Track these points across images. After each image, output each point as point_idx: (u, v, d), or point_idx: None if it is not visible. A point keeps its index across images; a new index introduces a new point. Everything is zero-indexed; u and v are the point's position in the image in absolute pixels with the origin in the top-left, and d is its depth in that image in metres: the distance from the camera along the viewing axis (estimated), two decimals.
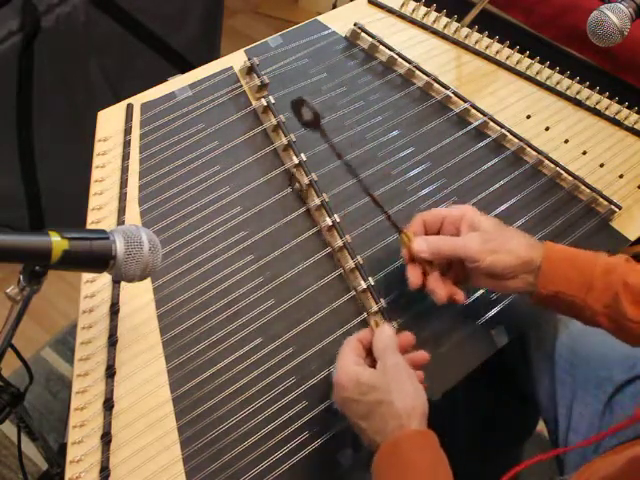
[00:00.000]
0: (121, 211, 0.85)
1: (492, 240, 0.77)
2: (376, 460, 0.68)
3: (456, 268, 0.81)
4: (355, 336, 0.75)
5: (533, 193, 1.00)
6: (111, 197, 0.86)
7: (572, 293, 0.77)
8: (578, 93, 1.10)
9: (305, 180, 0.90)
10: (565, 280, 0.77)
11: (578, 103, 1.10)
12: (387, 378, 0.69)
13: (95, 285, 0.81)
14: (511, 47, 1.10)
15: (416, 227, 0.81)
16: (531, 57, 1.11)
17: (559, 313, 0.80)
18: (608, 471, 0.69)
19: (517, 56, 1.11)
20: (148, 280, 0.81)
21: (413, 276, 0.79)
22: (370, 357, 0.74)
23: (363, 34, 1.04)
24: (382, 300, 0.85)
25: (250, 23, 2.32)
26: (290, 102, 0.78)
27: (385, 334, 0.73)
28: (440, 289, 0.78)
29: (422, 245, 0.78)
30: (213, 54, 1.86)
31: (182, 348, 0.80)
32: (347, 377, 0.71)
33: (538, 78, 1.10)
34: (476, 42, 1.10)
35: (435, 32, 1.09)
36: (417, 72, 1.04)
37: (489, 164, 1.00)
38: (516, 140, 1.03)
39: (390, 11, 1.09)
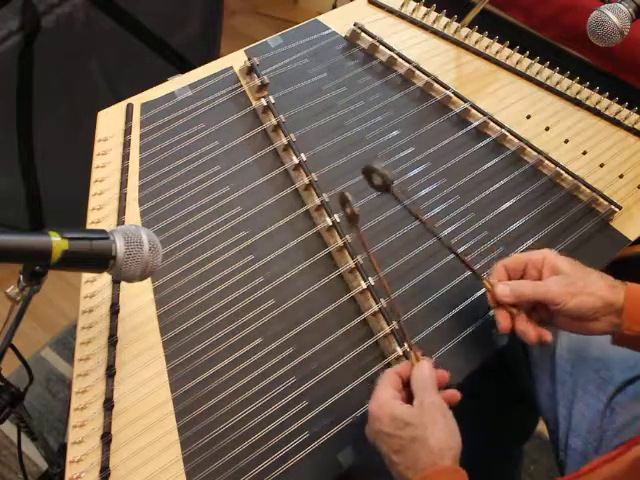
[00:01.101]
0: (121, 211, 0.85)
1: (574, 283, 0.77)
2: None
3: (540, 310, 0.81)
4: (394, 369, 0.75)
5: (533, 193, 1.00)
6: (111, 197, 0.86)
7: None
8: (578, 93, 1.10)
9: (305, 180, 0.90)
10: None
11: (578, 103, 1.10)
12: (423, 416, 0.70)
13: (95, 285, 0.81)
14: (511, 47, 1.10)
15: (498, 275, 0.82)
16: (531, 57, 1.11)
17: None
18: (611, 471, 0.69)
19: (517, 56, 1.11)
20: (148, 280, 0.81)
21: (502, 320, 0.80)
22: (407, 390, 0.74)
23: (363, 34, 1.04)
24: (382, 300, 0.85)
25: (250, 23, 2.32)
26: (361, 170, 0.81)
27: (424, 371, 0.74)
28: (530, 330, 0.79)
29: (505, 290, 0.79)
30: (213, 54, 1.86)
31: (182, 348, 0.80)
32: (383, 410, 0.71)
33: (538, 78, 1.10)
34: (476, 42, 1.10)
35: (435, 32, 1.09)
36: (417, 72, 1.04)
37: (489, 164, 1.00)
38: (516, 140, 1.03)
39: (390, 11, 1.09)
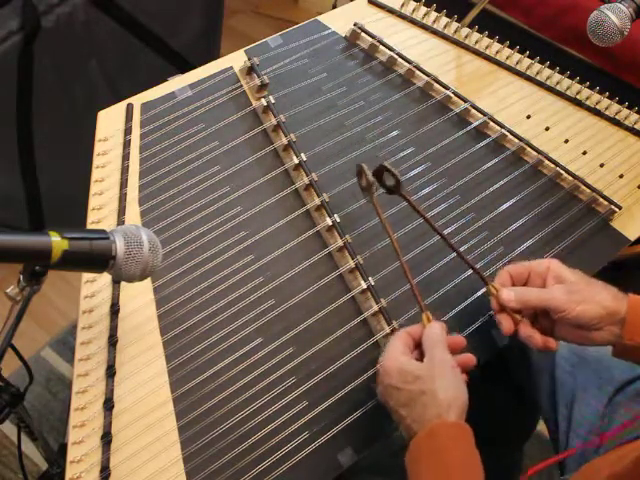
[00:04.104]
0: (121, 211, 0.85)
1: (578, 291, 0.78)
2: (411, 447, 0.70)
3: (541, 319, 0.82)
4: (405, 329, 0.77)
5: (533, 193, 1.00)
6: (111, 197, 0.86)
7: None
8: (578, 93, 1.10)
9: (305, 180, 0.90)
10: None
11: (578, 103, 1.10)
12: (432, 370, 0.71)
13: (95, 285, 0.81)
14: (511, 47, 1.10)
15: (503, 281, 0.82)
16: (531, 57, 1.11)
17: None
18: (612, 471, 0.69)
19: (517, 56, 1.11)
20: (148, 280, 0.81)
21: (505, 324, 0.81)
22: (418, 351, 0.76)
23: (363, 34, 1.04)
24: (382, 300, 0.85)
25: (250, 23, 2.32)
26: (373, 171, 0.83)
27: (436, 330, 0.75)
28: (537, 334, 0.80)
29: (510, 295, 0.80)
30: (213, 54, 1.86)
31: (182, 348, 0.80)
32: (393, 365, 0.73)
33: (538, 78, 1.10)
34: (476, 42, 1.10)
35: (435, 32, 1.09)
36: (417, 72, 1.04)
37: (489, 164, 1.00)
38: (516, 140, 1.03)
39: (390, 11, 1.09)
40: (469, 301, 0.89)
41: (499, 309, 0.81)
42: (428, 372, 0.71)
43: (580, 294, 0.77)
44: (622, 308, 0.78)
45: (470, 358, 0.76)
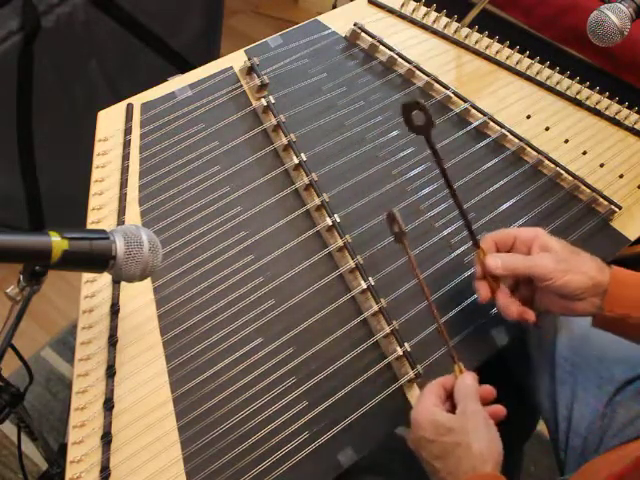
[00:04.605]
0: (121, 211, 0.85)
1: (565, 261, 0.78)
2: None
3: (522, 288, 0.82)
4: (437, 380, 0.76)
5: (533, 193, 1.00)
6: (111, 197, 0.86)
7: None
8: (578, 93, 1.10)
9: (305, 180, 0.90)
10: (635, 302, 0.78)
11: (578, 103, 1.10)
12: (466, 422, 0.71)
13: (95, 285, 0.81)
14: (511, 47, 1.10)
15: (487, 246, 0.82)
16: (531, 57, 1.11)
17: (623, 337, 0.82)
18: (611, 471, 0.69)
19: (517, 56, 1.11)
20: (148, 280, 0.81)
21: (483, 290, 0.81)
22: (449, 402, 0.75)
23: (363, 34, 1.04)
24: (382, 300, 0.85)
25: (250, 23, 2.32)
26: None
27: (468, 382, 0.75)
28: (513, 305, 0.80)
29: (497, 261, 0.79)
30: (213, 54, 1.86)
31: (182, 348, 0.80)
32: (425, 417, 0.72)
33: (538, 78, 1.10)
34: (476, 42, 1.10)
35: (435, 32, 1.09)
36: (417, 72, 1.04)
37: (489, 164, 1.00)
38: (516, 140, 1.03)
39: (390, 11, 1.09)
40: (469, 301, 0.89)
41: (481, 276, 0.81)
42: (461, 424, 0.70)
43: (567, 263, 0.77)
44: (605, 279, 0.78)
45: (500, 409, 0.75)
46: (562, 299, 0.79)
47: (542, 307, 0.82)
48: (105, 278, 0.81)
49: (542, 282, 0.78)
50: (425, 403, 0.73)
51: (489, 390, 0.76)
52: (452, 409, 0.74)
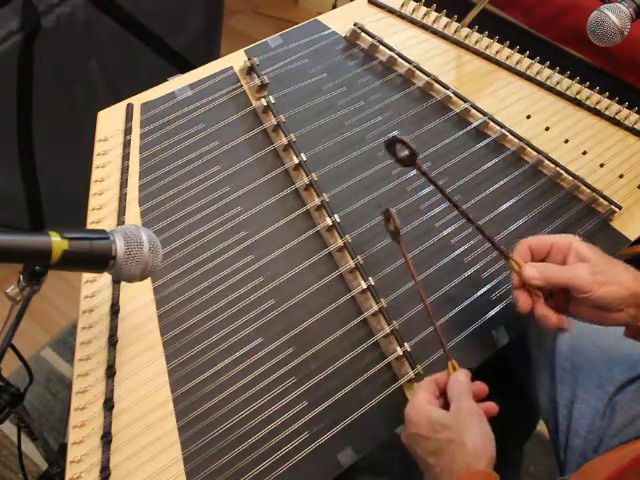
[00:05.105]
0: (121, 211, 0.85)
1: (602, 272, 0.76)
2: None
3: (557, 297, 0.81)
4: (431, 377, 0.76)
5: (533, 193, 1.00)
6: (111, 197, 0.86)
7: None
8: (578, 93, 1.10)
9: (305, 180, 0.90)
10: None
11: (578, 103, 1.10)
12: (460, 419, 0.71)
13: (95, 285, 0.81)
14: (511, 47, 1.10)
15: (523, 253, 0.80)
16: (531, 57, 1.11)
17: None
18: (611, 471, 0.69)
19: (517, 56, 1.11)
20: (148, 280, 0.81)
21: (523, 301, 0.79)
22: (443, 399, 0.76)
23: (363, 34, 1.04)
24: (382, 300, 0.85)
25: (250, 23, 2.32)
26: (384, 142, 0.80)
27: (461, 379, 0.75)
28: (552, 314, 0.79)
29: (533, 272, 0.78)
30: (213, 54, 1.86)
31: (182, 348, 0.80)
32: (419, 414, 0.72)
33: (538, 78, 1.10)
34: (476, 42, 1.10)
35: (435, 32, 1.09)
36: (417, 72, 1.04)
37: (489, 164, 1.00)
38: (516, 140, 1.03)
39: (390, 11, 1.09)
40: (469, 301, 0.89)
41: (519, 285, 0.80)
42: (455, 421, 0.70)
43: (603, 275, 0.76)
44: None
45: (493, 406, 0.75)
46: (598, 310, 0.77)
47: (576, 316, 0.80)
48: (105, 278, 0.81)
49: (579, 294, 0.76)
50: (419, 400, 0.74)
51: (482, 387, 0.76)
52: (445, 406, 0.74)
